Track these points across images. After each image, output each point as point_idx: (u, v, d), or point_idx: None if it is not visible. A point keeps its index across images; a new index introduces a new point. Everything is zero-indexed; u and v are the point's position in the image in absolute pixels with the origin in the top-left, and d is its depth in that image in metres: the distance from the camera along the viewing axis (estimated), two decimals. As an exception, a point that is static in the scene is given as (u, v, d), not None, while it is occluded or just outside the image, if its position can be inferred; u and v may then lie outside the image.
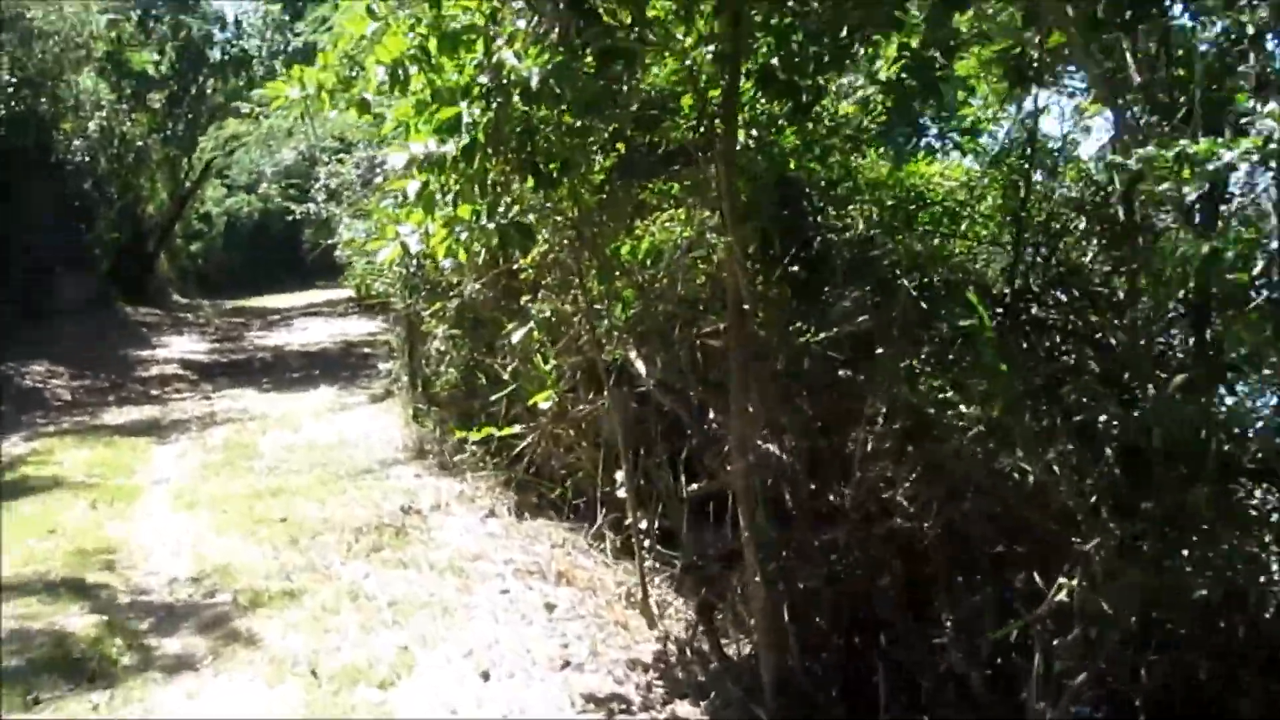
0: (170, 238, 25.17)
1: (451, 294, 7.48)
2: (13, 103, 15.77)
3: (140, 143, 21.44)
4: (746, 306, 4.34)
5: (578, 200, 4.62)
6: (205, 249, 31.31)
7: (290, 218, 16.20)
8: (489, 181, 4.13)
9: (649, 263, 5.18)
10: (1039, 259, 5.20)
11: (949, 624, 4.47)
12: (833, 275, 4.95)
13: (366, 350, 16.66)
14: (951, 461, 4.44)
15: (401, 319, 9.76)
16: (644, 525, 5.10)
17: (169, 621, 5.46)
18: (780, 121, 4.99)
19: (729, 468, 4.24)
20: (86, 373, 14.88)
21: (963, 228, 5.45)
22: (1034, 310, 5.16)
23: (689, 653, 4.97)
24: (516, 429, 5.81)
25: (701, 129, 4.50)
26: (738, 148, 4.53)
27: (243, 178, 33.92)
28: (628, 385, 5.53)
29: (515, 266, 6.51)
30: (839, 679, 4.82)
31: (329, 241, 21.38)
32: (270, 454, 9.35)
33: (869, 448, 4.56)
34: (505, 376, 7.02)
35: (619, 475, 5.37)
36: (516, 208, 4.21)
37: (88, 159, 19.08)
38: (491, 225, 4.00)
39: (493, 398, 7.01)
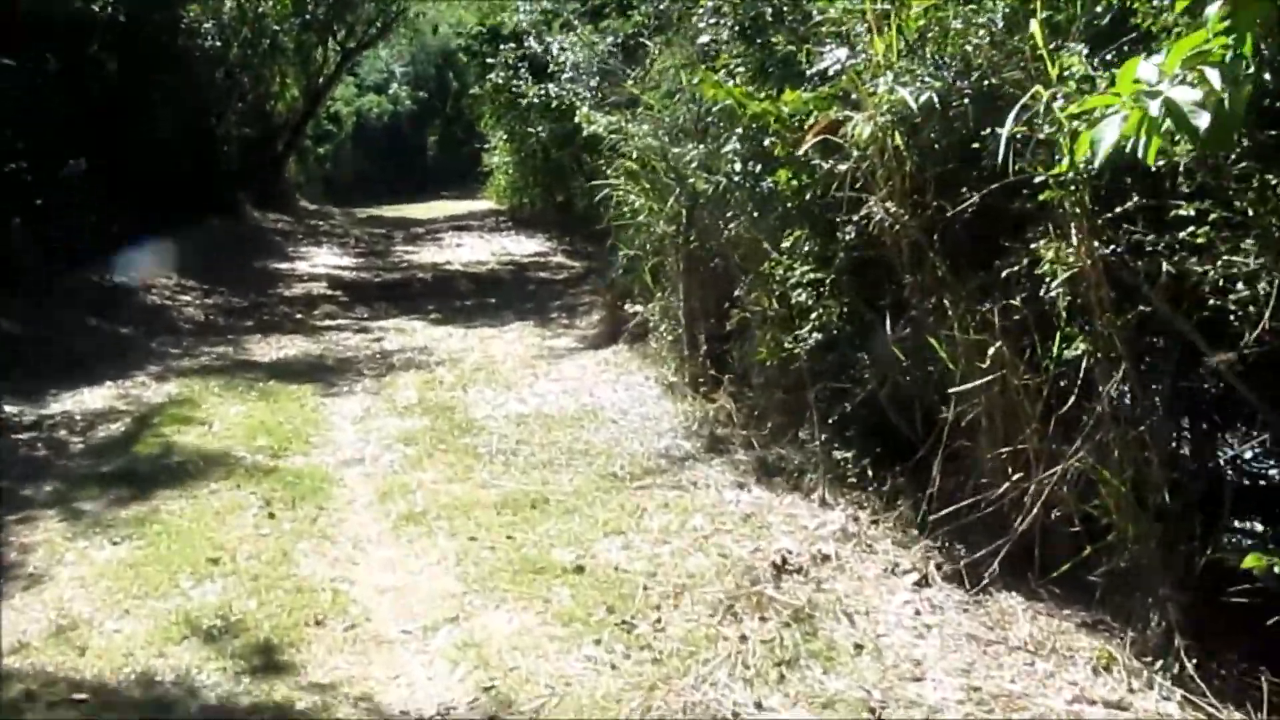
0: (300, 138, 22.70)
1: (852, 218, 4.59)
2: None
3: (276, 27, 18.91)
4: None
5: None
6: (333, 152, 28.84)
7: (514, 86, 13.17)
8: None
9: None
10: None
11: None
12: None
13: (543, 275, 14.03)
14: None
15: (674, 248, 6.94)
16: None
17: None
18: None
19: None
20: (220, 289, 12.53)
21: None
22: None
23: None
24: None
25: None
26: None
27: (371, 77, 31.53)
28: None
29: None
30: None
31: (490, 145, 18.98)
32: (491, 427, 6.67)
33: None
34: (948, 355, 4.17)
35: None
36: None
37: (219, 44, 16.58)
38: None
39: (956, 389, 4.16)
